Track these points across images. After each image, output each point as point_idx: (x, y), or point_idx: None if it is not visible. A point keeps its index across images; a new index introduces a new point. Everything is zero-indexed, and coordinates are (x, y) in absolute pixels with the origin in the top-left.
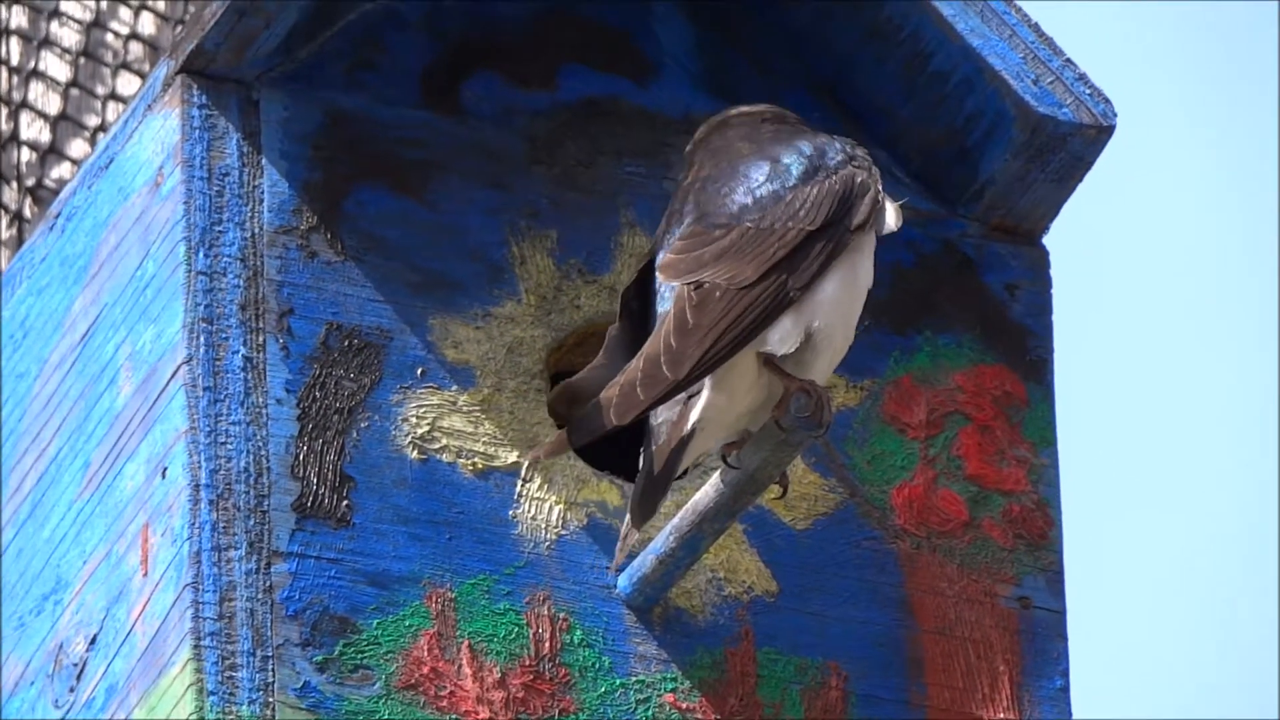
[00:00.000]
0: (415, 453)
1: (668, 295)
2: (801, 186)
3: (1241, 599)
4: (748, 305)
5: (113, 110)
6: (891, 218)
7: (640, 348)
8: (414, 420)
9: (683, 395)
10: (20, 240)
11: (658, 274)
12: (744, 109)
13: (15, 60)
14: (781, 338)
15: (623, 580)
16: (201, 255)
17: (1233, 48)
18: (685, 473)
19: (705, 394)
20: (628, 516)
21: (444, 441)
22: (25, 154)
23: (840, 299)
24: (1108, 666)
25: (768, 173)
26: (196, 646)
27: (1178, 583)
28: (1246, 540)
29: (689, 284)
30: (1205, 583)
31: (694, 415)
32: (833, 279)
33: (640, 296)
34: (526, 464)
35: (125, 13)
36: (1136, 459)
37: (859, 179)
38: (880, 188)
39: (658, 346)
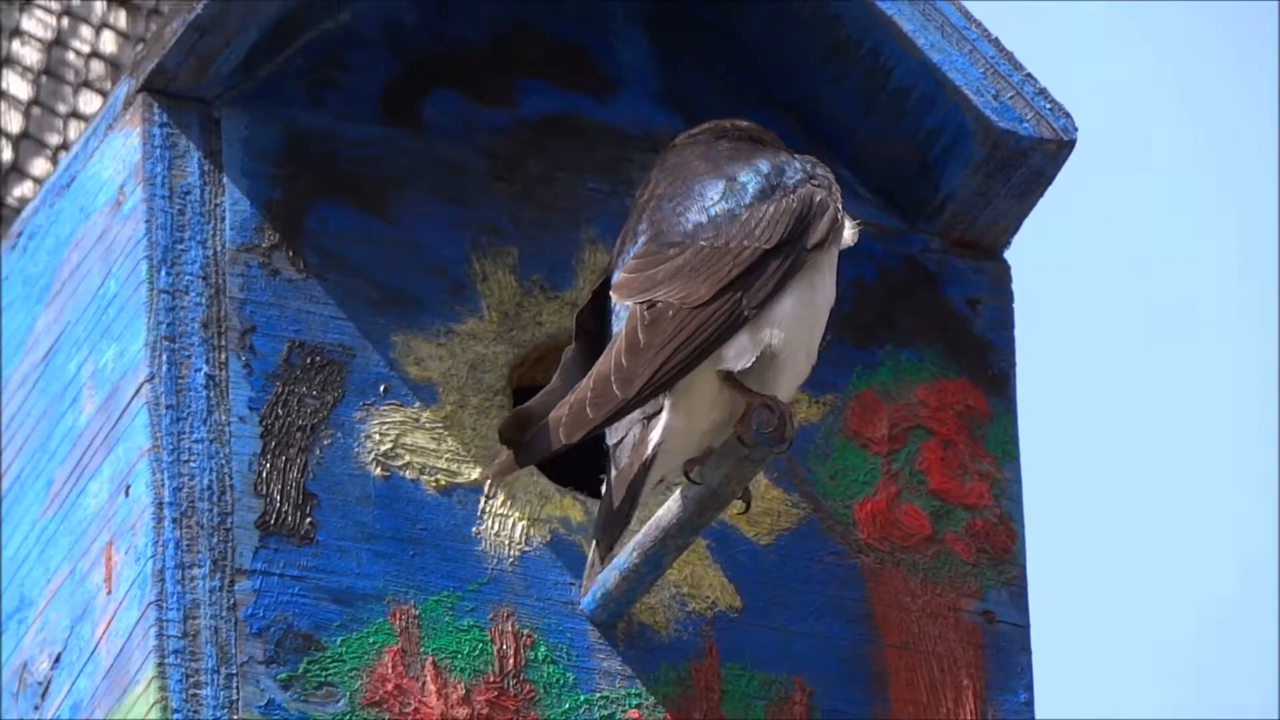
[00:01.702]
0: (378, 470)
1: (622, 315)
2: (758, 205)
3: (1206, 608)
4: (700, 324)
5: (74, 129)
6: (848, 233)
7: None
8: (377, 437)
9: (640, 418)
10: None
11: (612, 294)
12: (708, 125)
13: None
14: (737, 354)
15: (587, 596)
16: (164, 273)
17: (1194, 59)
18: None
19: (664, 416)
20: (593, 544)
21: (407, 458)
22: None
23: (799, 317)
24: (1072, 680)
25: (723, 191)
26: (160, 664)
27: (1141, 596)
28: (1212, 549)
29: (642, 303)
30: (1170, 594)
31: (654, 438)
32: (790, 297)
33: (596, 316)
34: (488, 483)
35: (86, 31)
36: (1099, 472)
37: (818, 198)
38: (840, 206)
39: (609, 365)
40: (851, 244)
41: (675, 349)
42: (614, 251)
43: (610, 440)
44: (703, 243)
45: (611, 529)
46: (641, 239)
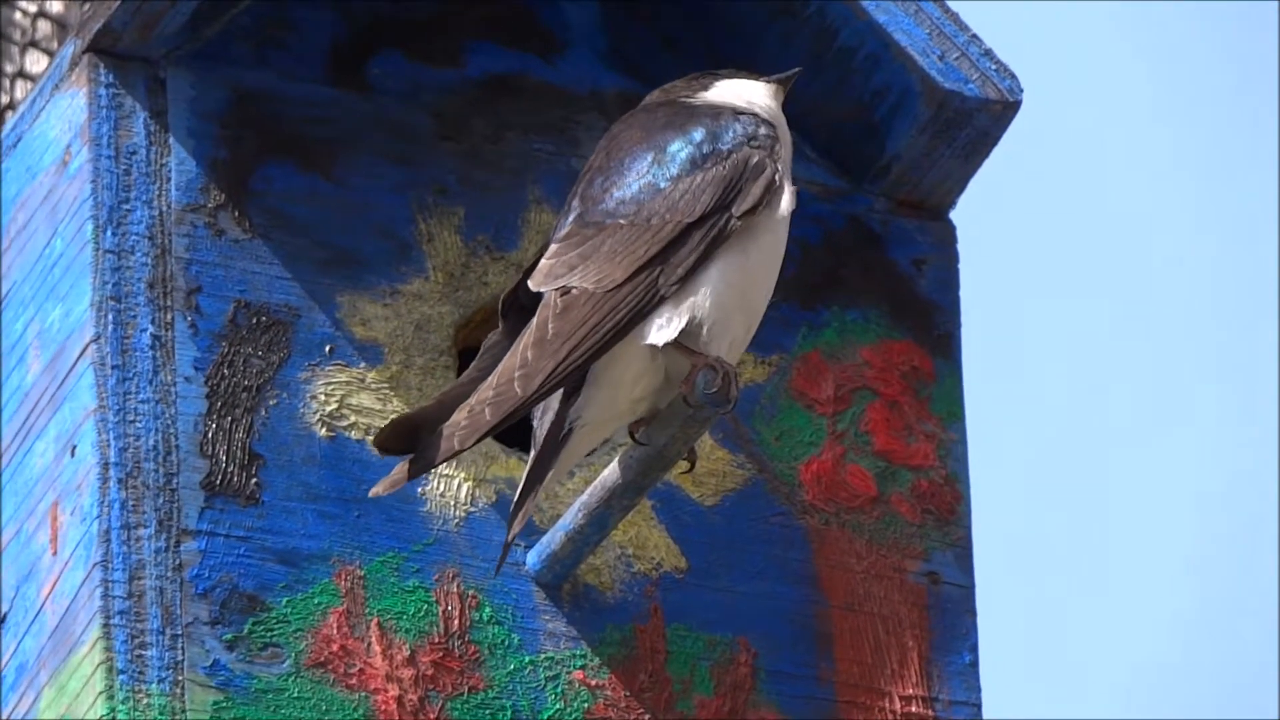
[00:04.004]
0: (324, 430)
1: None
2: (684, 176)
3: (1154, 569)
4: (612, 308)
5: (21, 89)
6: (785, 197)
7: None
8: (322, 398)
9: (561, 393)
10: None
11: (529, 283)
12: (658, 91)
13: None
14: (659, 328)
15: (532, 557)
16: (109, 233)
17: (1141, 19)
18: (594, 450)
19: (585, 390)
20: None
21: (352, 419)
22: None
23: (729, 284)
24: (1017, 642)
25: (650, 163)
26: (106, 625)
27: (1087, 557)
28: (1156, 510)
29: (556, 290)
30: (1117, 554)
31: (571, 414)
32: (717, 266)
33: (532, 295)
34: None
35: None
36: (1045, 433)
37: (754, 160)
38: (780, 167)
39: (514, 361)
40: (789, 209)
41: (582, 337)
42: (554, 226)
43: (535, 419)
44: (623, 221)
45: (519, 504)
46: (570, 217)
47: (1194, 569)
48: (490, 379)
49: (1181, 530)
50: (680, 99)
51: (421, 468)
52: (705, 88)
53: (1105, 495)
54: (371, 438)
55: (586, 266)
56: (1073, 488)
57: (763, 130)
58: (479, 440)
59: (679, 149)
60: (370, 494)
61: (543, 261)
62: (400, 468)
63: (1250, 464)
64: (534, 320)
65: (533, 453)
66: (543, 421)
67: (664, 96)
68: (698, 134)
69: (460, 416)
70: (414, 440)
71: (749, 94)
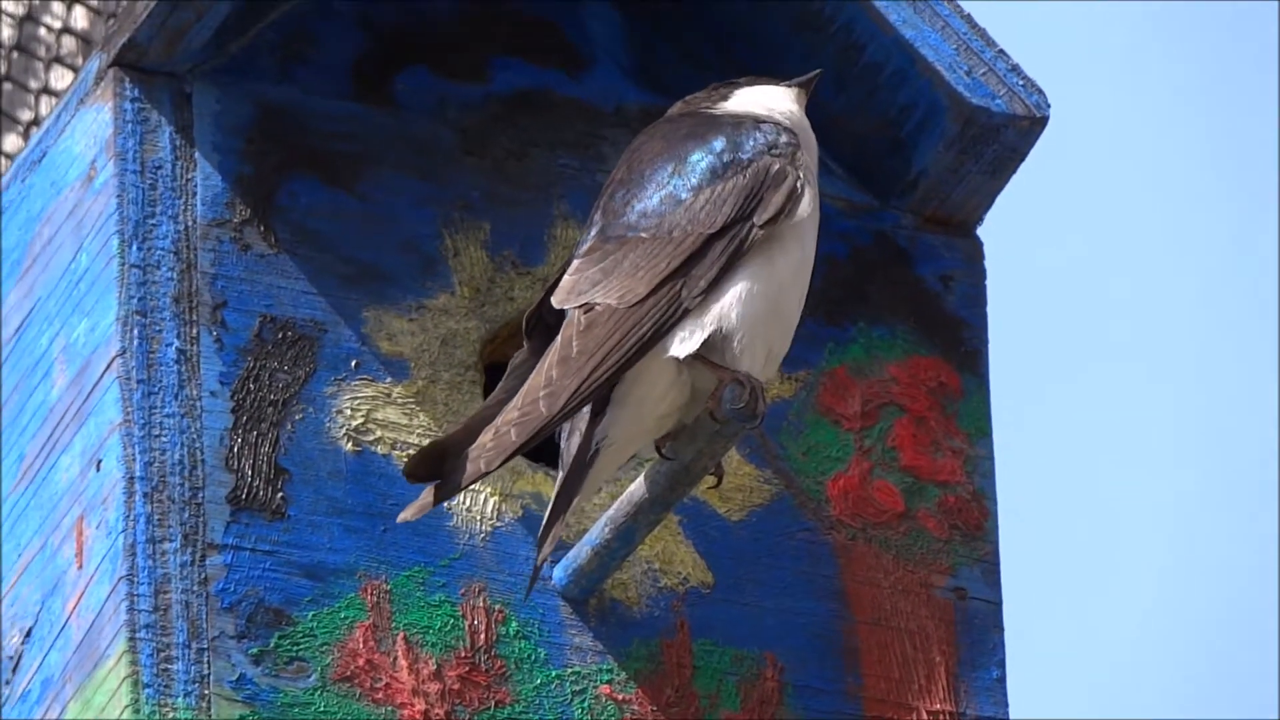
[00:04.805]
0: (350, 445)
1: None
2: (705, 187)
3: (1179, 586)
4: (635, 323)
5: (46, 104)
6: (804, 204)
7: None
8: (348, 412)
9: (587, 414)
10: None
11: (552, 300)
12: (679, 103)
13: None
14: (681, 341)
15: (558, 572)
16: (135, 248)
17: (1166, 35)
18: (621, 465)
19: (610, 410)
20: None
21: (378, 433)
22: None
23: (754, 294)
24: (1045, 658)
25: (670, 174)
26: (132, 639)
27: (1114, 573)
28: (1181, 528)
29: (580, 307)
30: (1144, 571)
31: (598, 434)
32: (741, 276)
33: (556, 312)
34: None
35: (58, 7)
36: (1073, 449)
37: (774, 169)
38: (801, 174)
39: (539, 380)
40: (808, 212)
41: (606, 354)
42: (579, 241)
43: (562, 439)
44: (644, 234)
45: (546, 527)
46: (592, 232)
47: (1208, 577)
48: (515, 399)
49: (1205, 543)
50: (701, 110)
51: (449, 491)
52: (725, 97)
53: (1132, 510)
54: (398, 452)
55: (609, 282)
56: (1099, 503)
57: (784, 138)
58: (505, 461)
59: (699, 159)
60: (399, 519)
61: (565, 278)
62: (428, 492)
63: (1268, 474)
64: (558, 338)
65: (560, 474)
66: (569, 443)
67: (685, 108)
68: (718, 143)
69: (486, 438)
70: (444, 466)
71: (770, 100)
